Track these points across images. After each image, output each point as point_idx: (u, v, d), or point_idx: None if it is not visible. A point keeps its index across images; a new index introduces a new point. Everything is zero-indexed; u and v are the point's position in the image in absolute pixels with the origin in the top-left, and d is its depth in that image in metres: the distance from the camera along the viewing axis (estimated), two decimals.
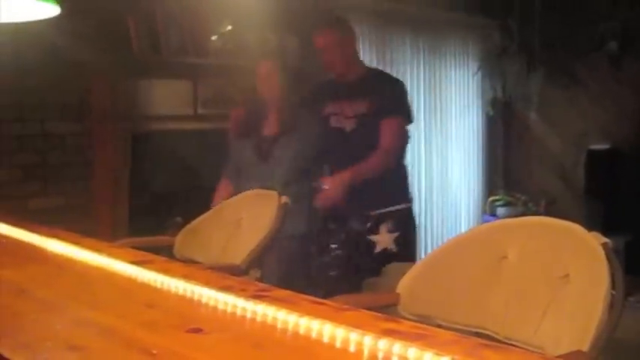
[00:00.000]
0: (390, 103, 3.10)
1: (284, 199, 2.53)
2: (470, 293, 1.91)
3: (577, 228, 1.74)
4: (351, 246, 3.13)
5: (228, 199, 3.03)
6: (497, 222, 2.29)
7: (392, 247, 3.12)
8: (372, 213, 3.10)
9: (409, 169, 5.26)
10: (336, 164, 3.11)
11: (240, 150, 3.19)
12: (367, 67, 3.37)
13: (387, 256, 3.10)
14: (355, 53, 3.27)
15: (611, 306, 1.52)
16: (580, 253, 1.68)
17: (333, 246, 3.16)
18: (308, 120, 3.17)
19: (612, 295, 1.56)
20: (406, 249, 3.17)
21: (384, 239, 3.12)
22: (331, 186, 2.94)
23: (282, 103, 3.13)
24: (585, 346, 1.47)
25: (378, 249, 3.13)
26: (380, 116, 3.05)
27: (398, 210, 3.15)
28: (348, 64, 3.18)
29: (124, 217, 3.51)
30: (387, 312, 1.33)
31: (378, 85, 3.18)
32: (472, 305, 1.89)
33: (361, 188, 2.97)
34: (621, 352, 2.24)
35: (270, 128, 3.15)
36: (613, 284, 1.56)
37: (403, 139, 3.18)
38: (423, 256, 3.27)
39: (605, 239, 1.65)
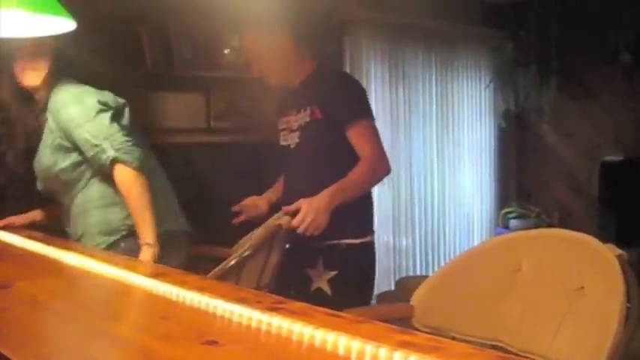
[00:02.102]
0: (344, 106, 2.53)
1: (283, 219, 2.39)
2: (484, 306, 1.91)
3: (592, 240, 1.73)
4: (286, 278, 2.53)
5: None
6: (511, 234, 2.28)
7: (326, 288, 2.49)
8: (314, 245, 2.47)
9: (422, 181, 5.36)
10: (288, 192, 2.61)
11: None
12: (314, 66, 2.67)
13: (321, 300, 2.16)
14: (293, 55, 2.62)
15: (627, 318, 1.52)
16: (595, 265, 1.67)
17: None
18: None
19: (628, 307, 1.55)
20: (344, 296, 2.38)
21: (318, 275, 2.51)
22: (309, 208, 2.34)
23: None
24: (601, 359, 1.47)
25: (313, 287, 2.52)
26: (334, 124, 2.51)
27: (344, 244, 2.52)
28: (285, 70, 2.62)
29: None
30: (400, 325, 1.33)
31: (322, 85, 2.59)
32: (486, 318, 1.89)
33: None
34: None
35: None
36: (628, 296, 1.56)
37: (380, 140, 2.60)
38: (436, 268, 3.16)
39: (620, 251, 1.64)
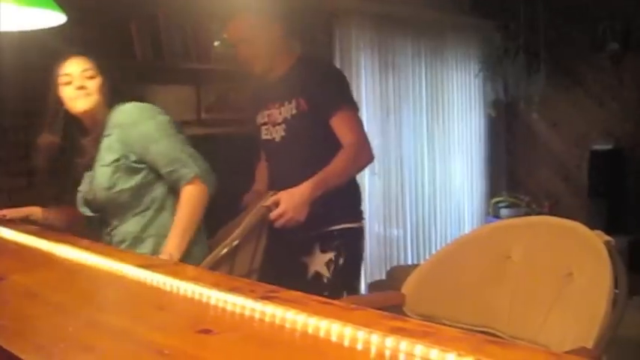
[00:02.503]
0: (329, 96, 2.54)
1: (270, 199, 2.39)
2: (474, 293, 1.93)
3: (580, 227, 1.76)
4: (278, 269, 2.48)
5: None
6: (501, 222, 2.31)
7: (323, 270, 2.55)
8: (308, 234, 2.54)
9: (413, 171, 5.37)
10: (275, 186, 2.57)
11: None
12: (296, 56, 2.69)
13: (319, 285, 2.51)
14: (280, 43, 2.62)
15: (614, 303, 1.54)
16: (583, 251, 1.70)
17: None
18: None
19: (615, 292, 1.58)
20: (341, 277, 2.54)
21: (315, 260, 2.57)
22: (288, 203, 2.35)
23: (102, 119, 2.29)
24: (589, 344, 1.49)
25: (310, 273, 2.57)
26: (319, 115, 2.52)
27: (339, 229, 2.59)
28: (271, 58, 2.61)
29: None
30: (392, 312, 1.35)
31: (307, 77, 2.58)
32: (477, 305, 1.91)
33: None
34: (627, 349, 2.25)
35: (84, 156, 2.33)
36: (616, 282, 1.58)
37: (362, 128, 2.62)
38: (427, 258, 3.17)
39: (607, 237, 1.67)
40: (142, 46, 3.72)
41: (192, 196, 2.20)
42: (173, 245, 2.14)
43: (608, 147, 5.40)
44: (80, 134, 2.32)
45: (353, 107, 2.62)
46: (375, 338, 1.08)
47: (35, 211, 2.51)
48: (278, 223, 2.36)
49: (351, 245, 2.62)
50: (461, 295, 1.95)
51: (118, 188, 2.23)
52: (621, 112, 5.43)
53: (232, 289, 1.36)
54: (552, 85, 5.68)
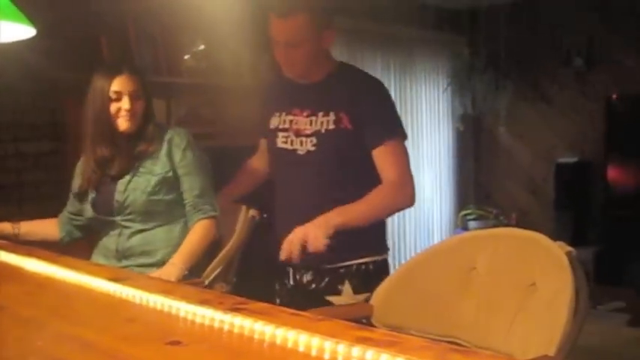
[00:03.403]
0: (378, 122, 2.26)
1: (251, 212, 2.49)
2: (441, 304, 1.96)
3: (542, 238, 1.80)
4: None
5: None
6: (467, 233, 2.34)
7: None
8: (330, 266, 2.30)
9: None
10: (278, 201, 2.40)
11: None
12: (336, 63, 2.41)
13: None
14: (327, 51, 2.38)
15: (576, 312, 1.58)
16: (546, 262, 1.74)
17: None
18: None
19: (577, 302, 1.61)
20: None
21: (346, 302, 2.29)
22: (290, 238, 2.10)
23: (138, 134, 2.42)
24: (552, 351, 1.53)
25: None
26: (363, 140, 2.24)
27: (368, 262, 2.34)
28: (314, 65, 2.32)
29: None
30: (360, 324, 1.37)
31: (352, 90, 2.28)
32: (443, 315, 1.94)
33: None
34: (589, 357, 2.30)
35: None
36: (577, 291, 1.62)
37: (409, 164, 2.31)
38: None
39: (569, 248, 1.70)
40: (112, 59, 3.71)
41: (206, 230, 2.39)
42: (181, 259, 2.30)
43: (574, 160, 5.51)
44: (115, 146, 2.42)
45: (401, 137, 2.33)
46: (341, 348, 1.10)
47: (5, 227, 2.51)
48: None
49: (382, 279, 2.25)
50: (428, 305, 1.98)
51: (157, 197, 2.40)
52: (586, 126, 5.54)
53: (202, 302, 1.37)
54: (519, 99, 5.78)
